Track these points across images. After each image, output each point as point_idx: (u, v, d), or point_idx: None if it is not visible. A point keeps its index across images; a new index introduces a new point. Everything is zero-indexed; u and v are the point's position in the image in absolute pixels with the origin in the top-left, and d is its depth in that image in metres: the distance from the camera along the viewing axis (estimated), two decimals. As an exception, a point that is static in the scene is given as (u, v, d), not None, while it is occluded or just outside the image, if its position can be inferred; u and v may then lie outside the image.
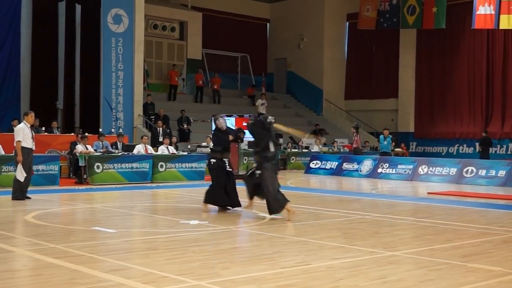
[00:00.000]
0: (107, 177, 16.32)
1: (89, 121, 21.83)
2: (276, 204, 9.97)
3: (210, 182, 11.11)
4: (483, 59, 27.43)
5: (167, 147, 18.12)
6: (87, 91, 22.67)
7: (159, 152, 17.85)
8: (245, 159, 22.75)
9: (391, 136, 22.66)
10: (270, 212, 10.06)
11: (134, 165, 16.87)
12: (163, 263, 6.40)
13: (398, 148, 26.31)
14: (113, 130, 20.46)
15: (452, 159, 20.75)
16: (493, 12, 24.00)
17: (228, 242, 8.16)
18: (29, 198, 12.41)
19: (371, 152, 25.04)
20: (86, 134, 17.63)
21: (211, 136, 11.55)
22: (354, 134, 22.52)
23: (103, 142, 17.69)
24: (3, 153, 15.45)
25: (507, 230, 9.03)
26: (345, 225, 9.57)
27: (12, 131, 18.44)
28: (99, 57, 21.68)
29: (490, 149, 24.24)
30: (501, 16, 23.97)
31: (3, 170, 14.96)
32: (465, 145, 27.21)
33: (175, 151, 18.32)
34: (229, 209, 10.96)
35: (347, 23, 32.18)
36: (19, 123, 19.30)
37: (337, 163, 21.66)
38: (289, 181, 18.84)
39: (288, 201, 10.03)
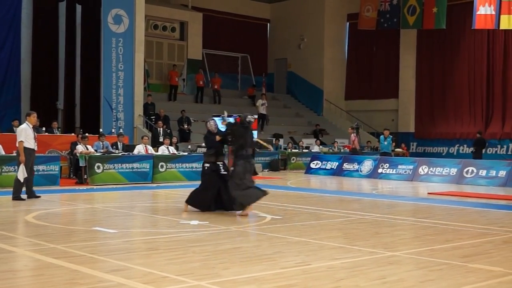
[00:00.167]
0: (107, 177, 16.33)
1: (90, 121, 21.84)
2: (244, 198, 10.16)
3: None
4: (484, 59, 27.44)
5: (167, 148, 18.13)
6: (88, 91, 22.68)
7: (160, 153, 17.85)
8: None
9: (391, 136, 22.67)
10: (236, 208, 10.31)
11: (135, 165, 16.87)
12: (164, 263, 6.40)
13: (398, 149, 26.32)
14: (113, 130, 20.46)
15: (453, 160, 20.74)
16: (493, 12, 24.02)
17: (229, 242, 8.16)
18: (39, 196, 12.46)
19: (372, 153, 25.05)
20: (87, 134, 17.63)
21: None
22: (354, 134, 22.52)
23: (104, 142, 17.70)
24: (3, 153, 15.45)
25: (507, 231, 9.03)
26: (345, 225, 9.57)
27: (13, 131, 18.52)
28: (99, 58, 21.70)
29: (484, 150, 24.21)
30: (502, 16, 23.98)
31: (3, 170, 14.97)
32: (465, 146, 27.20)
33: (175, 152, 18.32)
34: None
35: (348, 23, 32.19)
36: (20, 123, 19.42)
37: (337, 163, 21.66)
38: (289, 181, 18.85)
39: (263, 195, 10.30)
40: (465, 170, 18.42)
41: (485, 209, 11.90)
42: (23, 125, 12.47)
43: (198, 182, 16.72)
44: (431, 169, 19.20)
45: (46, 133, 18.63)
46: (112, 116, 21.54)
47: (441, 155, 27.52)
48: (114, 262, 6.40)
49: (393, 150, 23.71)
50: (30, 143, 12.32)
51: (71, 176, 17.52)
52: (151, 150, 17.94)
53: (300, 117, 31.55)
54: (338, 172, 21.30)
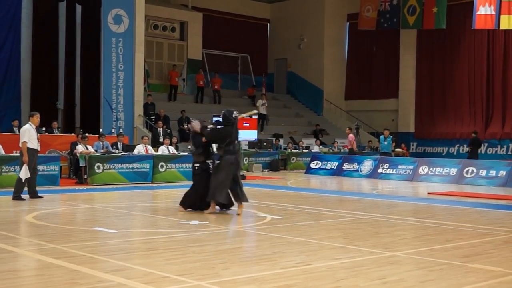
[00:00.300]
0: (107, 177, 16.33)
1: (90, 121, 21.83)
2: (217, 194, 10.29)
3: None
4: (484, 59, 27.44)
5: (167, 148, 18.13)
6: (88, 91, 22.68)
7: (160, 153, 17.85)
8: (246, 159, 22.78)
9: (391, 136, 22.68)
10: (208, 197, 10.43)
11: (135, 165, 16.87)
12: (164, 263, 6.40)
13: (398, 149, 26.32)
14: (113, 130, 20.46)
15: (453, 160, 20.75)
16: (493, 13, 24.02)
17: (229, 243, 8.16)
18: (41, 197, 12.49)
19: (372, 153, 25.05)
20: (87, 134, 17.63)
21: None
22: (351, 134, 22.53)
23: (104, 142, 17.70)
24: (3, 153, 15.45)
25: (507, 231, 9.03)
26: (345, 225, 9.56)
27: (13, 131, 18.55)
28: (99, 57, 21.70)
29: (479, 150, 24.19)
30: (502, 16, 23.99)
31: (3, 170, 14.97)
32: (465, 146, 27.13)
33: (175, 152, 18.32)
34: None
35: (348, 23, 32.19)
36: (20, 123, 19.48)
37: (337, 163, 21.66)
38: (289, 181, 18.85)
39: (230, 204, 10.53)
40: (465, 170, 18.42)
41: (485, 209, 11.90)
42: (26, 126, 12.49)
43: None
44: (431, 169, 19.20)
45: (46, 133, 18.62)
46: (112, 116, 21.54)
47: (441, 155, 27.52)
48: (114, 262, 6.40)
49: (393, 150, 23.72)
50: (33, 144, 12.37)
51: (71, 176, 17.53)
52: (151, 150, 17.95)
53: (300, 117, 31.55)
54: (338, 172, 21.30)
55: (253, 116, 20.10)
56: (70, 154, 17.56)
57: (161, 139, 19.75)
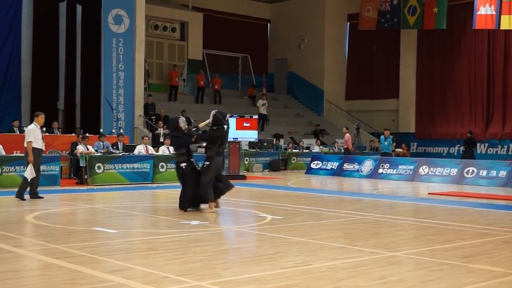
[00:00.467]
0: (108, 177, 16.33)
1: (90, 121, 21.83)
2: (209, 192, 10.64)
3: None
4: (484, 59, 27.43)
5: (167, 148, 18.12)
6: (88, 92, 22.68)
7: (160, 153, 17.85)
8: (246, 160, 22.78)
9: (391, 136, 22.68)
10: (203, 198, 10.70)
11: (135, 165, 16.87)
12: (164, 263, 6.40)
13: (399, 149, 26.31)
14: (113, 130, 20.46)
15: (453, 160, 20.75)
16: (494, 13, 24.01)
17: (229, 243, 8.16)
18: (42, 197, 12.50)
19: (372, 153, 25.05)
20: (87, 134, 17.64)
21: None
22: (355, 134, 22.56)
23: (104, 143, 17.70)
24: (3, 153, 15.46)
25: (508, 231, 9.03)
26: (346, 225, 9.56)
27: (13, 131, 18.56)
28: (99, 58, 21.70)
29: (474, 149, 24.16)
30: (502, 16, 23.97)
31: (4, 170, 14.97)
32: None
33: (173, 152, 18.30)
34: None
35: (348, 23, 32.19)
36: (20, 123, 19.48)
37: (337, 163, 21.65)
38: (290, 181, 18.85)
39: (214, 201, 10.79)
40: (466, 170, 18.41)
41: (485, 209, 11.89)
42: (31, 126, 12.55)
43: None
44: (431, 169, 19.20)
45: (47, 133, 18.60)
46: (113, 116, 21.55)
47: (441, 155, 27.51)
48: (115, 262, 6.40)
49: (393, 150, 23.71)
50: (38, 144, 12.47)
51: (72, 176, 17.53)
52: (151, 150, 17.94)
53: (301, 117, 31.55)
54: (338, 172, 21.30)
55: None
56: (71, 154, 17.56)
57: (161, 139, 19.74)
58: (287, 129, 28.88)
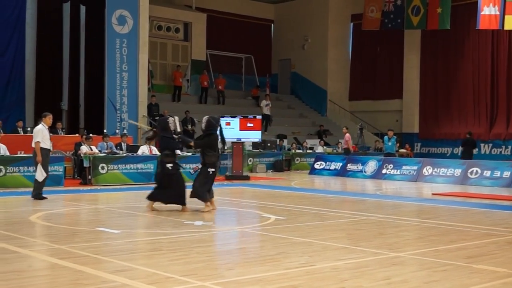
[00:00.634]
0: (111, 178, 16.34)
1: (94, 122, 21.84)
2: (205, 194, 10.88)
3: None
4: (488, 59, 27.38)
5: (149, 147, 18.06)
6: (92, 92, 22.70)
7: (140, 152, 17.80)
8: (250, 160, 22.78)
9: (395, 137, 22.66)
10: (192, 195, 10.92)
11: (139, 166, 16.89)
12: (167, 263, 6.40)
13: (402, 149, 26.28)
14: (117, 131, 20.49)
15: (457, 160, 20.72)
16: (497, 13, 23.96)
17: (232, 243, 8.16)
18: (45, 198, 12.53)
19: (376, 153, 25.03)
20: (91, 135, 17.66)
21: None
22: (358, 135, 22.57)
23: (108, 143, 17.71)
24: (8, 154, 15.49)
25: (511, 232, 9.02)
26: (349, 226, 9.56)
27: (17, 132, 18.59)
28: (103, 58, 21.71)
29: (474, 150, 24.07)
30: (506, 16, 23.91)
31: (8, 171, 15.00)
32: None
33: (179, 152, 18.29)
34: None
35: (352, 23, 32.17)
36: (24, 124, 19.51)
37: (341, 164, 21.64)
38: (293, 182, 18.84)
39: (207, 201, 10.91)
40: (470, 170, 18.38)
41: (489, 210, 11.87)
42: (39, 126, 12.63)
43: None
44: (435, 169, 19.17)
45: (50, 134, 18.62)
46: (116, 116, 21.56)
47: (445, 155, 27.47)
48: (118, 263, 6.41)
49: (397, 151, 23.68)
50: (46, 144, 12.56)
51: (75, 176, 17.54)
52: (155, 150, 17.93)
53: (304, 118, 31.54)
54: (342, 172, 21.28)
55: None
56: (74, 155, 17.58)
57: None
58: (290, 129, 28.87)
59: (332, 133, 29.50)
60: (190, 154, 18.22)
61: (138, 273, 5.97)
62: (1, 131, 17.28)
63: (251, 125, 19.56)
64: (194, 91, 29.37)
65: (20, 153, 15.58)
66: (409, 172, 19.62)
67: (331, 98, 31.65)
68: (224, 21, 31.65)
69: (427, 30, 27.93)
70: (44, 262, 6.59)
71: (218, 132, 11.08)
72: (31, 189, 13.04)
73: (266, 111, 27.55)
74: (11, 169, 15.02)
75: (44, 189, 12.88)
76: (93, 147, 16.97)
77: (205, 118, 11.24)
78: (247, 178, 19.12)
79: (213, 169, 10.90)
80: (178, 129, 11.48)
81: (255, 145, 23.19)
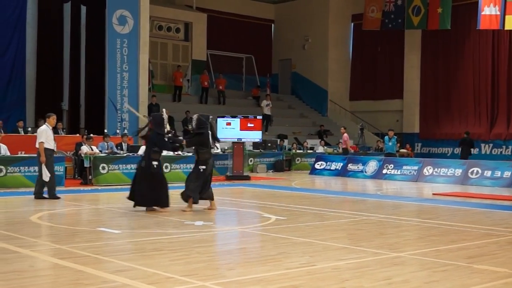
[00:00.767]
0: (112, 178, 16.35)
1: (94, 122, 21.85)
2: (197, 195, 10.86)
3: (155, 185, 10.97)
4: (488, 59, 27.38)
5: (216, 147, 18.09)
6: (92, 92, 22.70)
7: (164, 153, 17.82)
8: (250, 160, 22.78)
9: (396, 137, 22.66)
10: (183, 197, 10.94)
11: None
12: (168, 264, 6.40)
13: (403, 149, 26.28)
14: (118, 131, 20.49)
15: (458, 160, 20.72)
16: (498, 13, 23.96)
17: (233, 243, 8.17)
18: (46, 198, 12.58)
19: (376, 153, 25.03)
20: (91, 135, 17.66)
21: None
22: (359, 135, 22.58)
23: (108, 143, 17.71)
24: (8, 154, 15.49)
25: (512, 231, 9.02)
26: (350, 226, 9.56)
27: (18, 132, 18.59)
28: (104, 58, 21.71)
29: (472, 150, 24.08)
30: (507, 16, 23.91)
31: (8, 171, 15.00)
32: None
33: (179, 152, 18.31)
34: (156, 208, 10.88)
35: (352, 24, 32.17)
36: (24, 124, 19.51)
37: (342, 164, 21.64)
38: (294, 182, 18.84)
39: (196, 202, 10.95)
40: (470, 170, 18.38)
41: (490, 210, 11.87)
42: (43, 127, 12.68)
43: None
44: (436, 169, 19.17)
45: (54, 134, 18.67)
46: (117, 116, 21.56)
47: (446, 155, 27.46)
48: (119, 263, 6.41)
49: (397, 151, 23.69)
50: (50, 144, 12.62)
51: (76, 176, 17.54)
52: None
53: (305, 118, 31.54)
54: (342, 172, 21.28)
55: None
56: (75, 155, 17.59)
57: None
58: (291, 129, 28.87)
59: (332, 133, 29.49)
60: (183, 154, 18.19)
61: (138, 273, 5.97)
62: (2, 131, 17.28)
63: (252, 125, 19.56)
64: (195, 91, 29.37)
65: (21, 153, 15.58)
66: (410, 172, 19.62)
67: (331, 98, 31.65)
68: (224, 21, 31.65)
69: (428, 30, 27.93)
70: (45, 262, 6.59)
71: (209, 130, 11.14)
72: (31, 189, 13.06)
73: (267, 111, 27.56)
74: (11, 169, 15.03)
75: (45, 189, 12.87)
76: (94, 147, 16.97)
77: (195, 116, 11.32)
78: (247, 178, 19.13)
79: (203, 167, 10.90)
80: (168, 128, 11.47)
81: (255, 145, 23.19)
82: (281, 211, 11.10)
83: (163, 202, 10.87)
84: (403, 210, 11.82)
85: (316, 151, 25.10)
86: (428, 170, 19.30)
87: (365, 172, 20.69)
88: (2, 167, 14.91)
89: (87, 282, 5.55)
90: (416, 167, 19.63)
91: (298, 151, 24.95)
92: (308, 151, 25.21)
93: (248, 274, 6.03)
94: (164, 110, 11.65)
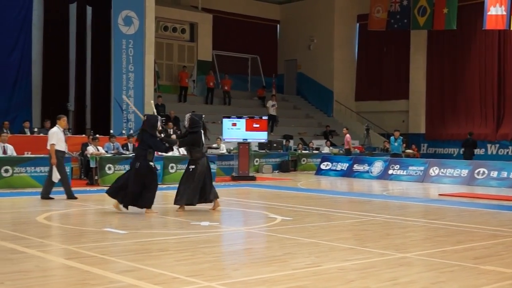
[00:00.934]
0: (118, 178, 16.35)
1: (100, 122, 21.89)
2: (195, 199, 10.81)
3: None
4: (495, 60, 27.30)
5: (177, 149, 18.12)
6: (98, 93, 22.75)
7: (170, 154, 17.86)
8: (256, 161, 22.78)
9: (402, 137, 22.61)
10: (176, 202, 10.88)
11: (145, 166, 16.86)
12: (174, 264, 6.41)
13: (409, 150, 26.23)
14: (123, 131, 20.52)
15: (464, 161, 20.69)
16: (504, 13, 23.89)
17: (239, 244, 8.17)
18: (52, 198, 12.65)
19: (382, 154, 24.99)
20: (97, 135, 17.70)
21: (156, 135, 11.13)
22: (365, 134, 22.55)
23: (114, 144, 17.74)
24: (14, 154, 15.54)
25: (519, 232, 8.99)
26: (356, 226, 9.55)
27: (24, 132, 18.65)
28: (110, 59, 21.75)
29: (475, 150, 24.05)
30: (513, 16, 23.86)
31: (15, 171, 15.05)
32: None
33: (185, 152, 18.31)
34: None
35: (358, 24, 32.15)
36: (31, 125, 19.56)
37: (347, 164, 21.62)
38: (299, 182, 18.83)
39: (193, 204, 10.90)
40: (476, 171, 18.33)
41: (496, 211, 11.84)
42: (54, 128, 12.76)
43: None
44: (442, 170, 19.13)
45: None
46: (123, 117, 21.59)
47: (452, 156, 27.39)
48: (125, 263, 6.42)
49: (403, 151, 23.65)
50: (61, 146, 12.70)
51: (82, 177, 17.59)
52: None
53: (310, 118, 31.53)
54: (348, 173, 21.26)
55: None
56: (81, 155, 17.63)
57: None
58: (296, 130, 28.86)
59: (338, 133, 29.44)
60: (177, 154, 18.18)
61: (145, 274, 5.97)
62: (8, 131, 17.33)
63: (257, 125, 19.56)
64: (200, 91, 29.39)
65: (27, 153, 15.63)
66: (416, 173, 19.58)
67: (337, 99, 31.63)
68: (230, 22, 31.67)
69: (434, 30, 27.88)
70: (51, 262, 6.60)
71: (201, 129, 11.15)
72: (38, 190, 13.10)
73: (272, 111, 27.55)
74: (18, 170, 15.08)
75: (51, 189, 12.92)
76: (100, 148, 17.01)
77: (187, 116, 11.30)
78: (253, 178, 19.13)
79: (193, 166, 10.90)
80: (160, 128, 11.46)
81: (261, 145, 23.19)
82: (287, 212, 11.10)
83: (151, 202, 10.76)
84: (409, 211, 11.80)
85: (322, 151, 25.08)
86: (434, 171, 19.26)
87: (371, 172, 20.66)
88: (8, 167, 14.96)
89: (94, 282, 5.56)
90: (422, 168, 19.59)
91: (303, 151, 24.94)
92: (314, 151, 25.20)
93: (254, 274, 6.03)
94: (171, 112, 11.60)
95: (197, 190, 10.87)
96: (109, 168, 16.29)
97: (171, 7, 28.72)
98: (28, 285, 5.54)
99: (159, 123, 11.02)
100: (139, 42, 21.97)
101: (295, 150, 25.12)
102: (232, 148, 21.53)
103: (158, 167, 17.02)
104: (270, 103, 27.83)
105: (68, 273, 6.03)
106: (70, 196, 12.78)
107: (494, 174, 17.89)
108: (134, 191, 10.60)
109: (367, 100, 31.59)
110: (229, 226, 9.81)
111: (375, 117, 30.62)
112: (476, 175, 18.24)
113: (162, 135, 11.23)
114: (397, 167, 20.17)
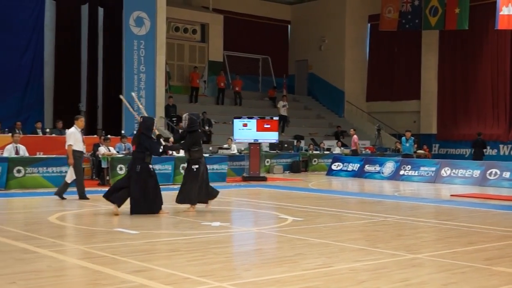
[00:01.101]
0: (129, 178, 16.39)
1: (112, 123, 21.97)
2: (195, 198, 10.92)
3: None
4: (507, 60, 27.13)
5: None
6: (110, 94, 22.82)
7: (181, 154, 17.89)
8: (267, 161, 22.77)
9: (413, 138, 22.53)
10: (178, 200, 11.03)
11: (156, 166, 16.82)
12: (185, 264, 6.42)
13: (420, 150, 26.13)
14: (135, 132, 20.53)
15: (475, 161, 20.56)
16: (516, 13, 23.76)
17: (250, 244, 8.17)
18: (65, 198, 12.75)
19: (393, 154, 24.91)
20: (109, 136, 17.76)
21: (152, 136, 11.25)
22: (376, 136, 22.47)
23: (126, 144, 17.80)
24: (27, 155, 15.63)
25: (531, 233, 8.93)
26: (367, 227, 9.52)
27: (36, 133, 18.76)
28: (121, 60, 21.84)
29: (485, 151, 23.90)
30: (525, 16, 23.72)
31: (27, 172, 15.14)
32: (488, 147, 26.88)
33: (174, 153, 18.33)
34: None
35: (369, 24, 32.07)
36: (43, 125, 19.66)
37: (359, 165, 21.57)
38: (310, 183, 18.81)
39: (194, 204, 11.04)
40: (488, 172, 18.23)
41: (508, 211, 11.77)
42: (72, 129, 12.89)
43: (219, 184, 16.85)
44: (453, 171, 19.04)
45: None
46: (134, 117, 21.64)
47: (463, 156, 27.26)
48: (136, 263, 6.44)
49: (415, 152, 23.57)
50: (79, 146, 12.85)
51: (94, 177, 17.66)
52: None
53: (321, 119, 31.49)
54: (359, 174, 21.21)
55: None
56: (93, 156, 17.70)
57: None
58: (307, 130, 28.83)
59: (349, 134, 29.37)
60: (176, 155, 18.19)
61: (156, 274, 5.99)
62: (20, 132, 17.44)
63: (268, 126, 19.55)
64: (211, 92, 29.43)
65: (39, 154, 15.73)
66: (427, 173, 19.51)
67: (348, 99, 31.57)
68: (241, 22, 31.69)
69: (445, 30, 27.75)
70: (63, 262, 6.64)
71: (199, 128, 11.29)
72: (50, 190, 13.19)
73: (283, 112, 27.54)
74: (30, 170, 15.17)
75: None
76: (111, 148, 17.08)
77: (185, 115, 11.28)
78: (264, 179, 19.13)
79: (196, 166, 10.94)
80: (156, 132, 11.48)
81: (272, 146, 23.19)
82: (298, 212, 11.09)
83: (159, 206, 10.75)
84: (421, 212, 11.75)
85: (333, 152, 25.04)
86: (445, 171, 19.18)
87: (382, 173, 20.61)
88: (21, 168, 15.05)
89: (105, 282, 5.58)
90: (433, 168, 19.51)
91: (314, 152, 24.91)
92: (325, 152, 25.16)
93: (265, 275, 6.03)
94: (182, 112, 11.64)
95: (202, 189, 10.99)
96: (121, 169, 16.35)
97: (182, 8, 28.78)
98: (40, 284, 5.57)
99: (154, 125, 11.04)
100: (150, 43, 22.04)
101: (306, 150, 25.09)
102: (243, 149, 21.53)
103: (169, 167, 17.15)
104: (281, 103, 27.83)
105: (80, 273, 6.06)
106: (82, 196, 12.85)
107: (507, 174, 17.78)
108: (135, 197, 10.55)
109: (378, 100, 31.50)
110: (240, 226, 9.82)
111: (386, 117, 30.53)
112: (488, 176, 18.15)
113: (163, 142, 11.23)
114: (408, 167, 20.11)
